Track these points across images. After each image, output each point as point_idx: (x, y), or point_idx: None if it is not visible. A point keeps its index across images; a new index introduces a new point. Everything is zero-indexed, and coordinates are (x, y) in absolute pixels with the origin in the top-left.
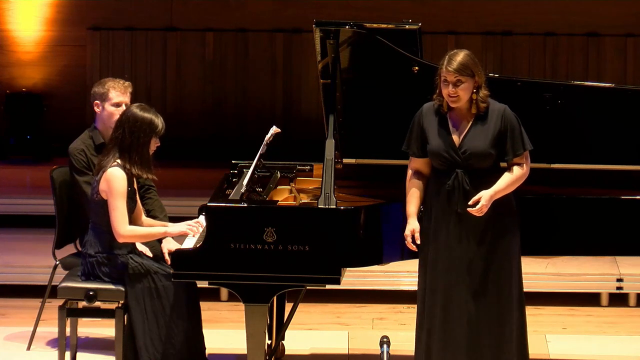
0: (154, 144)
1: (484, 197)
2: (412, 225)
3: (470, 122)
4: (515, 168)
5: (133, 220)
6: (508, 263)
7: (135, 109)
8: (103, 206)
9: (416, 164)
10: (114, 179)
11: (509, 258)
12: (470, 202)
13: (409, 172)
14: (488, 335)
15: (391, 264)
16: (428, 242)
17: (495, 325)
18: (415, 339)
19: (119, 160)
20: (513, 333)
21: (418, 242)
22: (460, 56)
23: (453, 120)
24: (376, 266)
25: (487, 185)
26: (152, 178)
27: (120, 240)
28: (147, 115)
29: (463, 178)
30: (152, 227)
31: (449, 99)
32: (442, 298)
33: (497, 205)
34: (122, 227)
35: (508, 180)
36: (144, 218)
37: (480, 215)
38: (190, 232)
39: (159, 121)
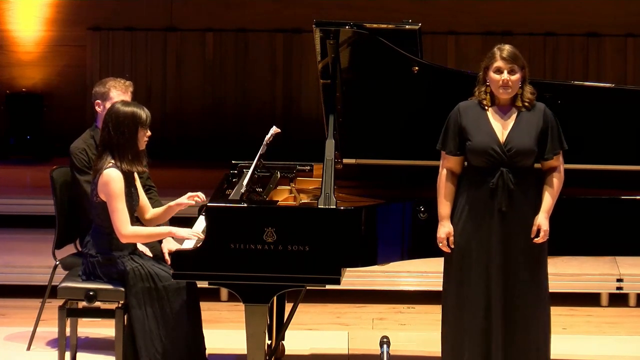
0: (144, 136)
1: (543, 224)
2: (447, 228)
3: (514, 119)
4: (553, 177)
5: (139, 215)
6: (544, 259)
7: (117, 105)
8: (104, 208)
9: (451, 162)
10: (111, 181)
11: (543, 255)
12: (532, 235)
13: (443, 171)
14: (524, 330)
15: (391, 264)
16: (464, 240)
17: (531, 317)
18: (443, 336)
19: (112, 161)
20: (545, 327)
21: (452, 245)
22: (510, 47)
23: (495, 117)
24: (376, 266)
25: (530, 184)
26: (142, 171)
27: (124, 241)
28: (128, 109)
29: (508, 176)
30: (156, 227)
31: (501, 89)
32: (483, 295)
33: (535, 204)
34: (124, 228)
35: (554, 194)
36: (151, 212)
37: (546, 239)
38: (193, 239)
39: (142, 112)
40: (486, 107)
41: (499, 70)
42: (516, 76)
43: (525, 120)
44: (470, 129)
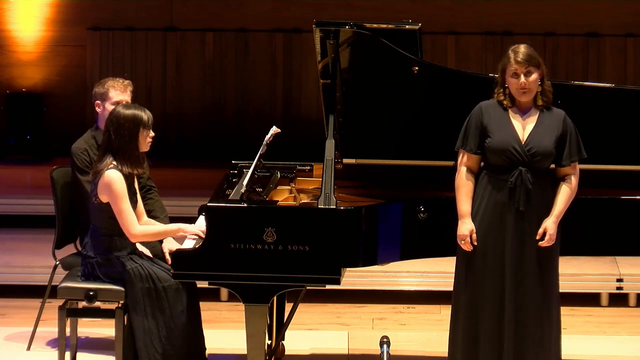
0: (146, 137)
1: (549, 228)
2: (469, 225)
3: (535, 120)
4: (567, 184)
5: None
6: (556, 260)
7: (119, 109)
8: (102, 209)
9: (470, 161)
10: (113, 182)
11: (556, 256)
12: (537, 237)
13: (462, 169)
14: (536, 329)
15: (391, 264)
16: (480, 239)
17: (544, 317)
18: (453, 335)
19: (114, 162)
20: (556, 327)
21: (475, 243)
22: (525, 47)
23: (516, 117)
24: (376, 266)
25: (547, 185)
26: (142, 173)
27: (134, 240)
28: (129, 112)
29: (526, 176)
30: (164, 225)
31: (519, 92)
32: (497, 293)
33: (551, 205)
34: (133, 228)
35: (565, 201)
36: (145, 219)
37: (551, 244)
38: (202, 236)
39: (143, 113)
40: (507, 108)
41: (515, 74)
42: (533, 77)
43: (546, 122)
44: (491, 128)
